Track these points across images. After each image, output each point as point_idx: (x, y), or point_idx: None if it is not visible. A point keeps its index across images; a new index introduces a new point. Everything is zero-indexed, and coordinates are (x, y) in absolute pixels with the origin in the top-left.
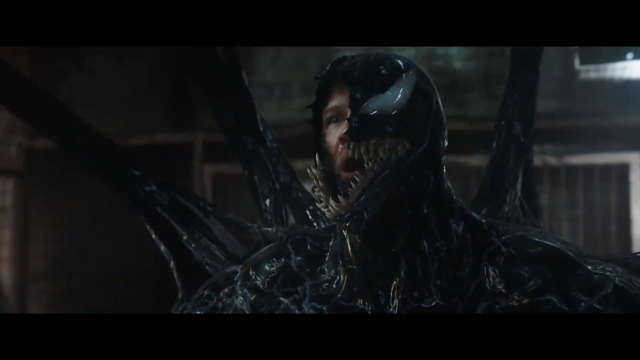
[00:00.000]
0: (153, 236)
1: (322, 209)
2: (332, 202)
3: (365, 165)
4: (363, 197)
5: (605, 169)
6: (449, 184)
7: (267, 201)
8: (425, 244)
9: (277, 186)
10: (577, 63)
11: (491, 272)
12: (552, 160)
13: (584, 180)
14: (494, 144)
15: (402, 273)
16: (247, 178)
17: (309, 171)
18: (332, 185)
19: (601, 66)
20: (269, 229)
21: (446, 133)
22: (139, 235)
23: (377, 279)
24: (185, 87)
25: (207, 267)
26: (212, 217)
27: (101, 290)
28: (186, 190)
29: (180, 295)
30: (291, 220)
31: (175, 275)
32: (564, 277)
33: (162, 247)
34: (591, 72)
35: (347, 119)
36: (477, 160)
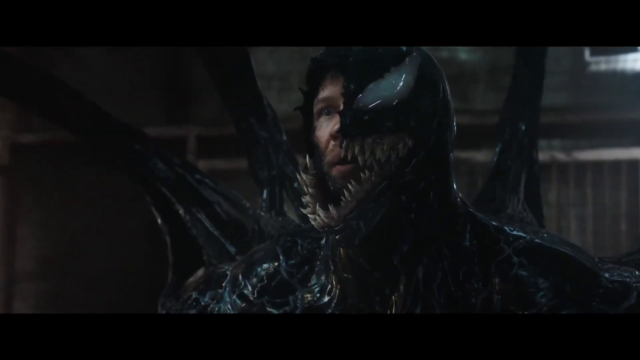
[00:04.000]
0: (152, 209)
1: (309, 216)
2: (320, 210)
3: (362, 175)
4: (357, 210)
5: (616, 165)
6: (455, 184)
7: (265, 190)
8: (427, 254)
9: (276, 175)
10: (587, 55)
11: (501, 286)
12: (560, 156)
13: (593, 176)
14: (497, 146)
15: (402, 287)
16: (249, 165)
17: (298, 176)
18: (324, 192)
19: (612, 58)
20: (263, 214)
21: (454, 126)
22: (133, 234)
23: (374, 291)
24: (180, 79)
25: (201, 246)
26: (211, 192)
27: (92, 292)
28: (186, 163)
29: (169, 279)
30: (288, 211)
31: (169, 252)
32: (583, 289)
33: (159, 220)
34: (602, 64)
35: (339, 113)
36: (483, 156)
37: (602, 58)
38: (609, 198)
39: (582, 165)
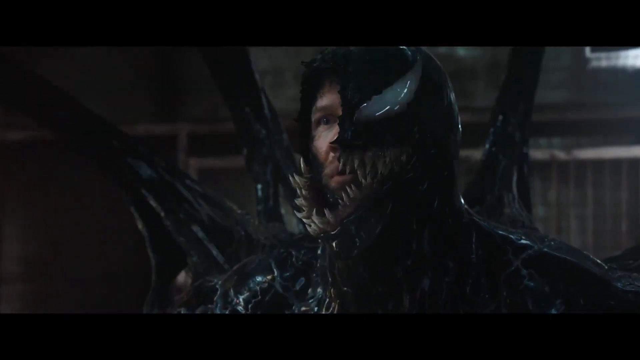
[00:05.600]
0: (131, 209)
1: (304, 220)
2: (315, 215)
3: (363, 181)
4: (355, 215)
5: (616, 163)
6: (458, 191)
7: (260, 190)
8: (431, 265)
9: (273, 171)
10: (587, 51)
11: (510, 298)
12: (560, 155)
13: (593, 175)
14: (488, 141)
15: (407, 302)
16: (246, 161)
17: (291, 179)
18: (319, 196)
19: (613, 54)
20: (249, 217)
21: (459, 132)
22: (121, 235)
23: (376, 306)
24: (171, 76)
25: (184, 251)
26: (194, 194)
27: (80, 293)
28: (168, 164)
29: (153, 284)
30: (282, 206)
31: (150, 255)
32: (595, 300)
33: (138, 222)
34: (602, 60)
35: (338, 125)
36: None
37: (602, 54)
38: (610, 197)
39: (582, 164)
